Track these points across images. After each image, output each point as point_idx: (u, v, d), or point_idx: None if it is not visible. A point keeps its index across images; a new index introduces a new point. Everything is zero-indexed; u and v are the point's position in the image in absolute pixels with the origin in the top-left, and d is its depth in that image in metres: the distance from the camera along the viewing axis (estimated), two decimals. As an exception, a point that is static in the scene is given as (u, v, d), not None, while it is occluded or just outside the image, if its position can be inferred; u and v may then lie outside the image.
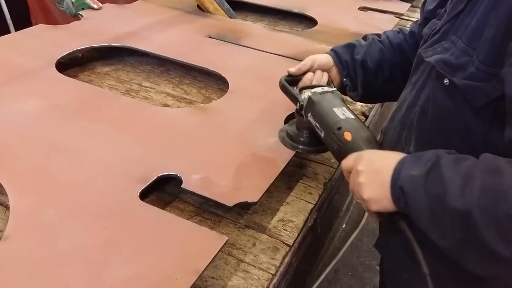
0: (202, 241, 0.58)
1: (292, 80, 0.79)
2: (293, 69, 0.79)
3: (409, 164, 0.52)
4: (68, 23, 1.22)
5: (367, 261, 1.68)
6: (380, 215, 0.56)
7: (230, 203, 0.64)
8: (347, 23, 1.38)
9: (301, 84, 0.77)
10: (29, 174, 0.67)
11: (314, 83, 0.77)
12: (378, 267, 1.66)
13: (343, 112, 0.66)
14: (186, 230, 0.60)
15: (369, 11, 1.52)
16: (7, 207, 0.68)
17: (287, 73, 0.79)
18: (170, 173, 0.69)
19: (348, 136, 0.62)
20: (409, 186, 0.50)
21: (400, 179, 0.51)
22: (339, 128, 0.63)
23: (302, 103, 0.71)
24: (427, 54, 0.60)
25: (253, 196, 0.66)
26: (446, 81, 0.55)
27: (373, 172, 0.54)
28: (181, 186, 0.67)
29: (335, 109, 0.66)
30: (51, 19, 2.20)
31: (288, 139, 0.78)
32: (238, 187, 0.68)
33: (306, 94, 0.71)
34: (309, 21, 1.49)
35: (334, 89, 0.72)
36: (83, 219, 0.60)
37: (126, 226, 0.59)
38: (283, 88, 0.77)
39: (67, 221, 0.59)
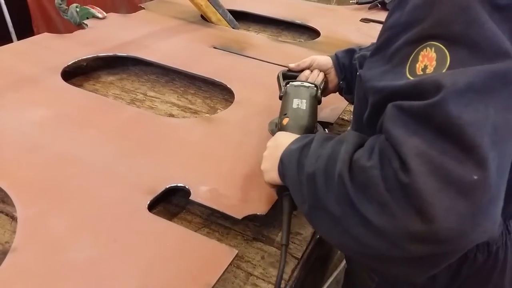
0: (212, 255, 0.58)
1: (290, 75, 0.85)
2: (293, 65, 0.87)
3: (294, 141, 0.57)
4: (71, 31, 1.22)
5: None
6: (273, 186, 0.63)
7: (239, 215, 0.64)
8: (350, 34, 1.39)
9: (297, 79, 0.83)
10: (36, 184, 0.66)
11: (309, 80, 0.81)
12: (379, 278, 1.66)
13: (299, 103, 0.73)
14: (196, 243, 0.60)
15: (371, 23, 1.54)
16: (13, 218, 0.67)
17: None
18: (178, 185, 0.69)
19: (285, 121, 0.69)
20: (286, 158, 0.55)
21: (283, 153, 0.56)
22: (285, 114, 0.71)
23: (281, 94, 0.79)
24: None
25: (261, 208, 0.66)
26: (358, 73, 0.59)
27: (274, 147, 0.61)
28: (190, 198, 0.67)
29: (295, 100, 0.73)
30: (53, 28, 2.21)
31: (276, 129, 0.79)
32: (246, 199, 0.67)
33: (287, 85, 0.78)
34: (311, 32, 1.50)
35: (313, 85, 0.77)
36: (92, 230, 0.59)
37: (135, 238, 0.59)
38: (277, 79, 0.85)
39: (76, 232, 0.59)
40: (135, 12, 2.42)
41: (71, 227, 0.59)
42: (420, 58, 0.43)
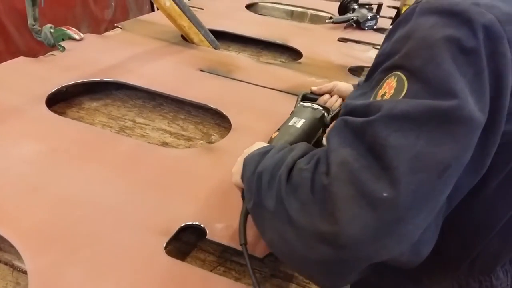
0: (240, 299, 0.56)
1: (311, 97, 0.89)
2: (315, 88, 0.90)
3: (261, 148, 0.60)
4: (33, 50, 1.16)
5: None
6: (240, 189, 0.64)
7: (260, 254, 0.63)
8: (331, 55, 1.42)
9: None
10: (42, 231, 0.61)
11: (327, 105, 0.84)
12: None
13: (296, 121, 0.74)
14: (219, 286, 0.57)
15: (349, 42, 1.57)
16: (13, 267, 0.62)
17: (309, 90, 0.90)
18: (194, 223, 0.66)
19: (274, 135, 0.72)
20: (248, 161, 0.57)
21: (246, 157, 0.59)
22: (278, 129, 0.74)
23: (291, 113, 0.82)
24: None
25: (282, 244, 0.64)
26: None
27: (246, 153, 0.62)
28: (207, 237, 0.65)
29: (294, 118, 0.75)
30: (11, 46, 2.08)
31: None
32: (265, 235, 0.66)
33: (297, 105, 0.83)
34: (291, 52, 1.51)
35: (321, 108, 0.79)
36: (112, 279, 0.56)
37: (158, 284, 0.56)
38: (297, 99, 0.88)
39: (93, 281, 0.55)
40: (98, 28, 2.35)
41: (90, 278, 0.55)
42: (384, 85, 0.45)
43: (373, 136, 0.41)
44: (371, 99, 0.46)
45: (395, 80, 0.44)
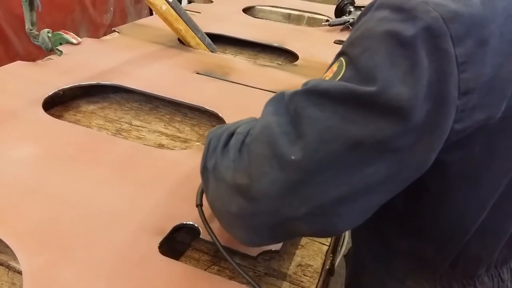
0: (234, 297, 0.56)
1: None
2: None
3: None
4: (32, 54, 1.17)
5: (350, 288, 1.69)
6: None
7: (254, 252, 0.63)
8: (327, 57, 1.42)
9: None
10: (38, 231, 0.62)
11: None
12: None
13: None
14: (215, 285, 0.58)
15: (344, 44, 1.58)
16: (9, 267, 0.63)
17: None
18: (188, 223, 0.67)
19: None
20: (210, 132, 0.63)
21: None
22: None
23: None
24: None
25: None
26: None
27: None
28: (200, 236, 0.65)
29: None
30: (11, 51, 2.10)
31: None
32: (258, 235, 0.67)
33: None
34: (288, 54, 1.52)
35: None
36: (106, 279, 0.56)
37: (153, 285, 0.56)
38: None
39: (90, 283, 0.55)
40: (97, 33, 2.37)
41: (84, 278, 0.56)
42: (329, 69, 0.48)
43: (295, 106, 0.45)
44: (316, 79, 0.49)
45: (337, 65, 0.46)
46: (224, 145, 0.53)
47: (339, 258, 1.73)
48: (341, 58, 0.46)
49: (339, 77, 0.44)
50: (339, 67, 0.45)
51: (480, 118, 0.43)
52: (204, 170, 0.57)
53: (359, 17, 0.50)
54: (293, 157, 0.43)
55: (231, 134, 0.54)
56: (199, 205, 0.64)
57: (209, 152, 0.56)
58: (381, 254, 0.65)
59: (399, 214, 0.58)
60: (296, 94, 0.46)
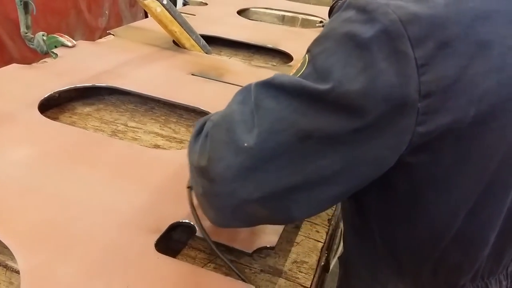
0: (229, 293, 0.57)
1: None
2: None
3: None
4: (27, 58, 1.18)
5: None
6: None
7: (249, 249, 0.64)
8: (321, 57, 1.44)
9: None
10: (35, 231, 0.63)
11: None
12: None
13: None
14: (210, 281, 0.59)
15: (338, 45, 1.59)
16: (6, 267, 0.63)
17: None
18: (183, 221, 0.68)
19: None
20: None
21: None
22: None
23: None
24: None
25: (270, 240, 0.66)
26: None
27: None
28: (196, 234, 0.66)
29: None
30: (5, 55, 2.10)
31: None
32: (253, 232, 0.67)
33: None
34: (282, 55, 1.53)
35: None
36: (103, 277, 0.57)
37: (149, 281, 0.57)
38: None
39: (87, 281, 0.56)
40: (92, 36, 2.37)
41: (81, 276, 0.56)
42: (294, 64, 0.50)
43: (255, 97, 0.47)
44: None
45: (301, 62, 0.48)
46: (197, 133, 0.56)
47: (334, 260, 1.74)
48: (306, 55, 0.48)
49: (300, 73, 0.46)
50: (302, 64, 0.47)
51: (444, 121, 0.43)
52: (187, 156, 0.60)
53: (332, 13, 0.51)
54: (246, 144, 0.45)
55: (203, 124, 0.56)
56: (189, 187, 0.69)
57: (189, 144, 0.59)
58: (367, 258, 0.65)
59: (375, 217, 0.58)
60: (258, 85, 0.48)
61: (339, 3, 0.49)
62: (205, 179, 0.51)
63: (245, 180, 0.47)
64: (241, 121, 0.47)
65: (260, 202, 0.48)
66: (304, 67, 0.46)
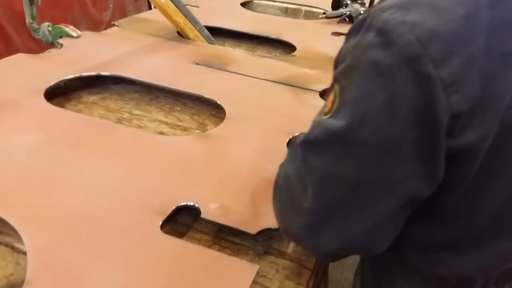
0: (233, 272, 0.58)
1: None
2: None
3: None
4: (33, 50, 1.18)
5: (351, 276, 1.70)
6: None
7: (253, 230, 0.65)
8: (324, 48, 1.44)
9: None
10: (41, 213, 0.64)
11: None
12: (362, 283, 1.70)
13: None
14: (215, 261, 0.60)
15: (342, 36, 1.59)
16: (13, 248, 0.64)
17: None
18: (188, 203, 0.68)
19: None
20: None
21: None
22: None
23: None
24: None
25: (274, 221, 0.66)
26: None
27: None
28: (201, 216, 0.67)
29: None
30: (11, 47, 2.11)
31: None
32: (257, 214, 0.68)
33: None
34: (285, 46, 1.53)
35: None
36: (108, 256, 0.58)
37: (153, 261, 0.58)
38: None
39: (92, 260, 0.57)
40: (97, 30, 2.39)
41: (86, 255, 0.57)
42: (329, 96, 0.48)
43: (301, 156, 0.49)
44: (318, 114, 0.51)
45: (333, 93, 0.46)
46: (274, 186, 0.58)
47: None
48: (336, 86, 0.46)
49: (334, 109, 0.45)
50: (335, 97, 0.46)
51: (471, 139, 0.41)
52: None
53: (349, 34, 0.47)
54: (305, 205, 0.47)
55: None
56: None
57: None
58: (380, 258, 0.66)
59: None
60: (300, 144, 0.49)
61: (359, 19, 0.46)
62: (287, 235, 0.56)
63: (318, 235, 0.48)
64: (296, 181, 0.49)
65: (343, 248, 0.49)
66: (336, 102, 0.45)
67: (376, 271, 0.69)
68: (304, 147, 0.48)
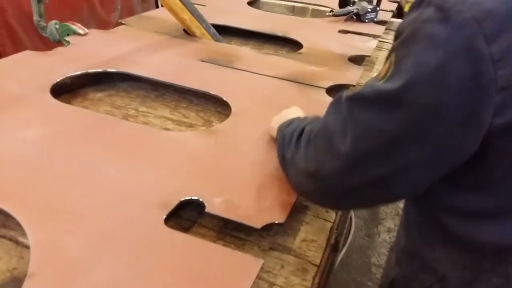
0: (237, 266, 0.57)
1: None
2: None
3: (292, 117, 0.80)
4: (41, 50, 1.19)
5: (358, 278, 1.69)
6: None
7: (258, 225, 0.64)
8: (331, 45, 1.43)
9: None
10: (44, 206, 0.63)
11: None
12: (370, 283, 1.68)
13: None
14: (219, 255, 0.59)
15: (349, 34, 1.58)
16: (17, 243, 0.64)
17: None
18: (193, 198, 0.68)
19: None
20: (280, 127, 0.79)
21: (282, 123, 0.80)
22: None
23: None
24: None
25: (279, 216, 0.66)
26: None
27: (283, 115, 0.84)
28: (206, 210, 0.66)
29: None
30: (20, 47, 2.13)
31: None
32: (262, 208, 0.67)
33: None
34: (292, 44, 1.53)
35: None
36: (112, 249, 0.57)
37: (158, 254, 0.57)
38: None
39: (95, 253, 0.56)
40: (105, 28, 2.40)
41: (90, 248, 0.57)
42: (385, 64, 0.53)
43: (346, 108, 0.54)
44: (372, 80, 0.56)
45: (389, 62, 0.51)
46: (296, 140, 0.67)
47: (345, 247, 1.74)
48: (392, 55, 0.51)
49: (387, 77, 0.50)
50: (390, 65, 0.51)
51: None
52: (283, 159, 0.71)
53: (413, 7, 0.52)
54: (342, 150, 0.53)
55: (301, 131, 0.67)
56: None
57: (285, 145, 0.71)
58: (421, 224, 0.70)
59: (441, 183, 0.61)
60: (348, 98, 0.55)
61: None
62: (315, 180, 0.60)
63: (348, 176, 0.55)
64: (335, 131, 0.55)
65: (364, 188, 0.55)
66: (391, 71, 0.50)
67: (414, 241, 0.71)
68: (351, 102, 0.54)
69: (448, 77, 0.44)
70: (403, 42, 0.49)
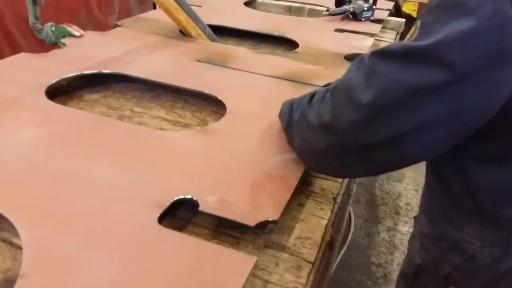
0: (231, 263, 0.57)
1: None
2: None
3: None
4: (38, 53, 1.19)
5: (358, 277, 1.68)
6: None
7: (252, 222, 0.64)
8: (327, 44, 1.43)
9: None
10: (38, 206, 0.63)
11: None
12: (369, 282, 1.68)
13: None
14: (213, 253, 0.59)
15: (345, 32, 1.58)
16: (11, 244, 0.64)
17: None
18: (186, 196, 0.68)
19: None
20: (285, 102, 0.84)
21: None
22: None
23: None
24: None
25: (273, 214, 0.66)
26: None
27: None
28: (199, 209, 0.66)
29: None
30: (18, 51, 2.13)
31: None
32: (256, 206, 0.67)
33: None
34: (288, 44, 1.53)
35: None
36: (105, 249, 0.57)
37: (151, 254, 0.57)
38: None
39: (88, 253, 0.56)
40: (103, 31, 2.40)
41: (83, 248, 0.57)
42: (410, 32, 0.58)
43: (371, 63, 0.57)
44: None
45: (414, 28, 0.55)
46: (308, 102, 0.69)
47: (345, 246, 1.74)
48: (417, 23, 0.55)
49: (413, 38, 0.54)
50: (415, 30, 0.55)
51: None
52: (289, 125, 0.74)
53: None
54: (363, 102, 0.55)
55: (312, 95, 0.70)
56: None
57: (293, 110, 0.73)
58: (445, 206, 0.73)
59: (465, 158, 0.65)
60: (372, 54, 0.57)
61: None
62: (329, 134, 0.61)
63: (365, 129, 0.56)
64: (358, 84, 0.56)
65: (379, 145, 0.56)
66: (416, 35, 0.53)
67: (438, 225, 0.74)
68: (377, 56, 0.56)
69: (477, 39, 0.48)
70: (431, 9, 0.53)
